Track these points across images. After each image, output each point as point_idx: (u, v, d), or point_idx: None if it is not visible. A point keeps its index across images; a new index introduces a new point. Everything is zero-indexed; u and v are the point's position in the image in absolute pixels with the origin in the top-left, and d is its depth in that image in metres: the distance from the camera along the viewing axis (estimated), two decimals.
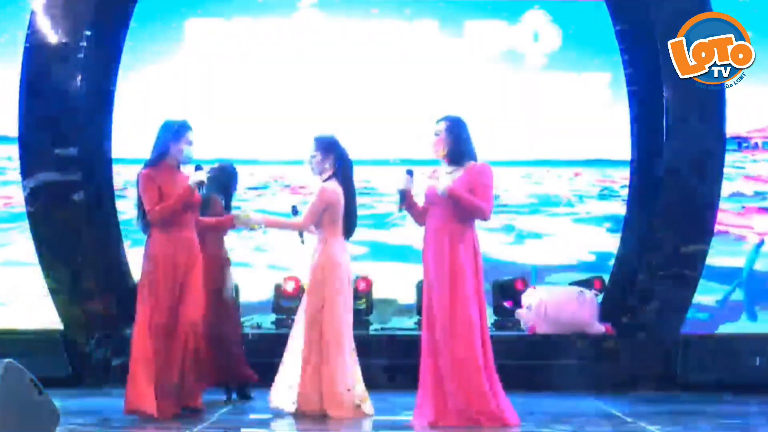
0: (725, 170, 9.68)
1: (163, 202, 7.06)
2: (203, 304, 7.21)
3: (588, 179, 10.81)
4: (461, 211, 6.79)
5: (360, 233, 10.60)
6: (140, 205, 7.19)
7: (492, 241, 10.63)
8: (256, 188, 10.79)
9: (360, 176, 10.98)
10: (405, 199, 6.94)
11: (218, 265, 8.06)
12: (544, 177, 10.87)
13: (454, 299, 6.72)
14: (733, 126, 9.75)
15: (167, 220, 7.07)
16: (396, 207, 7.04)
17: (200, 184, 7.09)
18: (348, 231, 7.39)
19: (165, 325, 7.06)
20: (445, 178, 6.82)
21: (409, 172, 6.91)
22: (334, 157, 7.33)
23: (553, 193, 10.90)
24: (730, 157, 9.87)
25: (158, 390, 6.99)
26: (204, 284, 7.31)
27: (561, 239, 10.81)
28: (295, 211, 7.47)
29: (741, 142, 10.05)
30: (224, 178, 8.41)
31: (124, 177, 10.33)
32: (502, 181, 10.77)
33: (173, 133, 7.20)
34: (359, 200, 7.61)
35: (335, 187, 7.27)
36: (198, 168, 7.14)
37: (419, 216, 7.00)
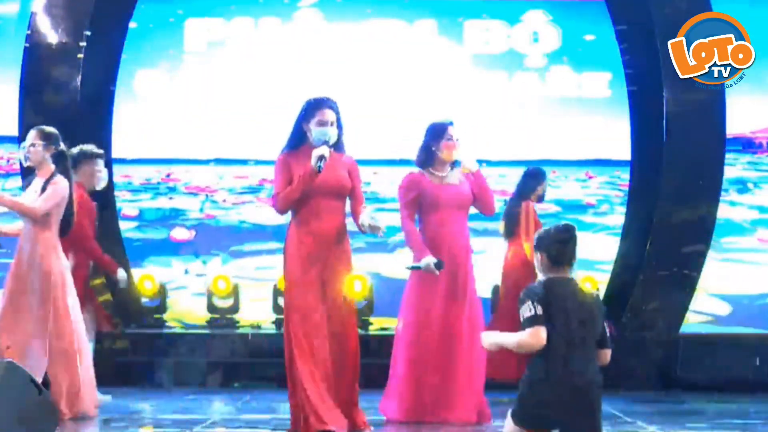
0: (747, 174, 9.68)
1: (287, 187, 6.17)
2: (352, 304, 6.42)
3: (602, 181, 10.63)
4: (466, 211, 6.88)
5: (356, 259, 10.52)
6: None
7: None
8: (254, 189, 10.77)
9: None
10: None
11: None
12: (554, 179, 10.72)
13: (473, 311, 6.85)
14: (737, 127, 9.76)
15: (294, 207, 6.19)
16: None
17: (321, 158, 6.10)
18: (64, 231, 6.97)
19: (308, 328, 6.13)
20: (471, 161, 6.93)
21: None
22: (55, 152, 6.96)
23: (574, 197, 10.64)
24: (745, 159, 9.88)
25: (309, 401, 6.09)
26: None
27: None
28: None
29: (745, 143, 10.03)
30: (534, 183, 8.59)
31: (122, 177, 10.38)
32: (510, 183, 10.67)
33: (303, 111, 6.31)
34: None
35: (66, 183, 6.91)
36: (325, 143, 6.18)
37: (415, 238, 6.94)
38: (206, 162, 10.57)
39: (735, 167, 9.89)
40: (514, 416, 4.74)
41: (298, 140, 6.27)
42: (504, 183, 10.34)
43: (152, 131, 10.49)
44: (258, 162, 10.45)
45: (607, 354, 4.84)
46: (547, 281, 4.80)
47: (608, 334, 4.86)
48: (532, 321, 4.68)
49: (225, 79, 10.56)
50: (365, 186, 10.22)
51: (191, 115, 10.52)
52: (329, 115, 6.24)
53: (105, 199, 10.17)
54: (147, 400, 8.38)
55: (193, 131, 10.45)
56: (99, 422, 7.00)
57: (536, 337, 4.66)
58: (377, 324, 10.01)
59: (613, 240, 10.23)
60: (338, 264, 6.24)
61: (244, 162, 10.60)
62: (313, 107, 6.25)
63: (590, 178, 10.67)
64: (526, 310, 4.72)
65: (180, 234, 10.58)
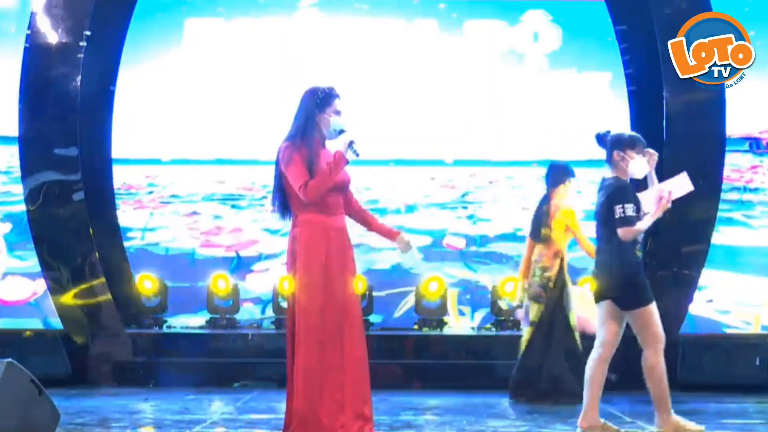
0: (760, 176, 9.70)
1: (316, 175, 5.82)
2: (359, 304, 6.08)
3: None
4: None
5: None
6: (278, 187, 5.97)
7: None
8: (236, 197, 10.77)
9: (359, 181, 11.00)
10: None
11: None
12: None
13: None
14: (743, 126, 9.74)
15: (320, 198, 5.83)
16: None
17: (353, 143, 5.88)
18: None
19: (329, 328, 5.80)
20: None
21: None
22: None
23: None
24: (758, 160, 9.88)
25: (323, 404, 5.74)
26: None
27: None
28: None
29: (753, 143, 9.99)
30: None
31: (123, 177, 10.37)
32: (513, 184, 10.63)
33: (318, 100, 5.98)
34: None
35: None
36: (341, 132, 5.93)
37: None
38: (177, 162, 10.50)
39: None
40: None
41: (305, 130, 5.93)
42: (506, 184, 10.35)
43: (151, 131, 10.51)
44: (256, 162, 10.39)
45: None
46: None
47: None
48: None
49: (224, 79, 10.57)
50: (365, 190, 10.31)
51: (190, 114, 10.54)
52: (341, 105, 6.00)
53: (101, 194, 10.20)
54: (147, 400, 8.38)
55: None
56: (99, 422, 7.00)
57: None
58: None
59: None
60: (350, 262, 5.96)
61: (245, 162, 10.54)
62: (329, 96, 5.98)
63: None
64: None
65: None
